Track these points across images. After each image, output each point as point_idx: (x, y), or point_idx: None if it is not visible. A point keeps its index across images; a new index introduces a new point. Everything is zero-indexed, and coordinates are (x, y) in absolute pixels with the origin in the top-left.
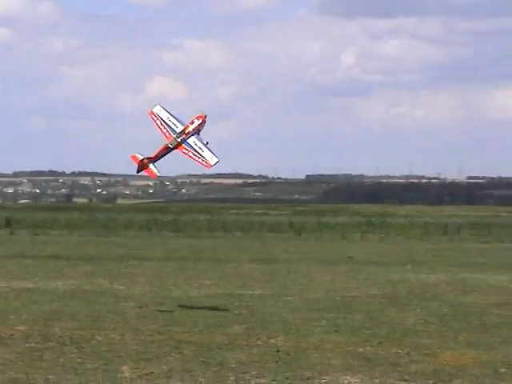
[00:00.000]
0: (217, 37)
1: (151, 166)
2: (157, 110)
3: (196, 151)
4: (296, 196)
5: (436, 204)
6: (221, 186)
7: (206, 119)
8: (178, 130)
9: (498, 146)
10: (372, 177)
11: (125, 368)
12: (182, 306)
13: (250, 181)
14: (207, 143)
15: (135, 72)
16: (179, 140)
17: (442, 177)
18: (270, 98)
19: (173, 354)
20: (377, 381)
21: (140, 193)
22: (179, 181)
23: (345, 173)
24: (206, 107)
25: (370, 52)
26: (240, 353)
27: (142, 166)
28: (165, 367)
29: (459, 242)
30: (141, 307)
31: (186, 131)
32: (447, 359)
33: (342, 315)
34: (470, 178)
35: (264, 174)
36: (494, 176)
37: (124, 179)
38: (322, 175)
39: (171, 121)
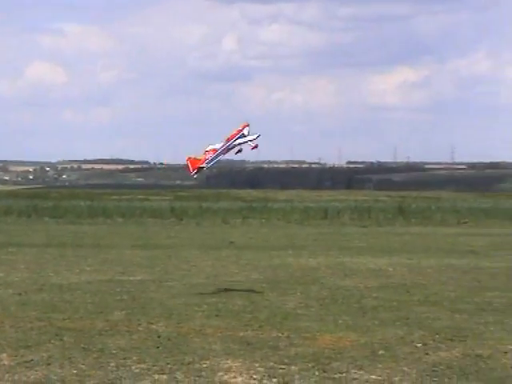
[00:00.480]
0: (97, 22)
1: (202, 165)
2: (210, 148)
3: (241, 144)
4: (178, 181)
5: (316, 189)
6: (102, 172)
7: (249, 127)
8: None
9: (377, 131)
10: (253, 162)
11: (3, 356)
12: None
13: (132, 166)
14: (256, 146)
15: (14, 57)
16: (226, 145)
17: (323, 162)
18: (150, 84)
19: (53, 341)
20: (257, 364)
21: (20, 179)
22: (60, 166)
23: (226, 158)
24: (86, 92)
25: (250, 37)
26: (121, 339)
27: (194, 169)
28: (44, 354)
29: (339, 227)
30: (20, 294)
31: (231, 137)
32: (326, 342)
33: (223, 300)
34: (349, 162)
35: (145, 159)
36: (373, 161)
37: (3, 165)
38: None
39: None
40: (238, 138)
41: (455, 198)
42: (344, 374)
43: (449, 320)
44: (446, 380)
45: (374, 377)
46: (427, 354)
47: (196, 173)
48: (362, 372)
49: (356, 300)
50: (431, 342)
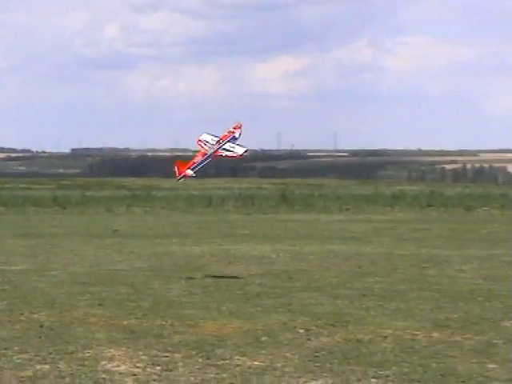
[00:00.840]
0: None
1: (188, 171)
2: (203, 137)
3: (229, 150)
4: (61, 170)
5: (200, 177)
6: None
7: (242, 127)
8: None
9: (261, 119)
10: (137, 150)
11: None
12: None
13: (14, 155)
14: (246, 151)
15: None
16: (216, 147)
17: None
18: (32, 71)
19: None
20: (140, 353)
21: None
22: None
23: (111, 146)
24: None
25: (133, 25)
26: (2, 329)
27: (181, 173)
28: None
29: (223, 214)
30: None
31: (222, 139)
32: (210, 329)
33: (107, 288)
34: None
35: (28, 147)
36: (257, 149)
37: None
38: (88, 149)
39: (214, 140)
40: (229, 141)
41: (337, 185)
42: (227, 361)
43: (330, 306)
44: (328, 365)
45: (256, 363)
46: (309, 339)
47: (181, 178)
48: (245, 358)
49: (240, 287)
50: (313, 327)
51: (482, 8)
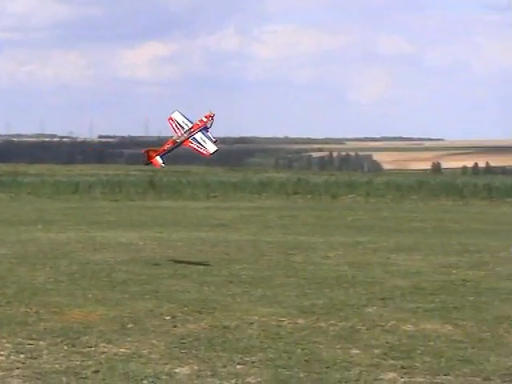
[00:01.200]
0: None
1: (158, 158)
2: (175, 115)
3: (200, 144)
4: None
5: (68, 163)
6: None
7: (214, 117)
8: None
9: (129, 105)
10: (3, 135)
11: None
12: None
13: None
14: (216, 141)
15: None
16: (186, 136)
17: (74, 136)
18: None
19: None
20: (4, 341)
21: None
22: None
23: None
24: None
25: None
26: None
27: (149, 158)
28: None
29: (90, 201)
30: None
31: (194, 128)
32: (75, 316)
33: None
34: (101, 137)
35: None
36: (125, 135)
37: None
38: None
39: (185, 123)
40: (200, 130)
41: (205, 172)
42: (93, 348)
43: (197, 292)
44: (194, 351)
45: (122, 350)
46: (175, 326)
47: (149, 163)
48: (110, 345)
49: (106, 274)
50: (180, 314)
51: None
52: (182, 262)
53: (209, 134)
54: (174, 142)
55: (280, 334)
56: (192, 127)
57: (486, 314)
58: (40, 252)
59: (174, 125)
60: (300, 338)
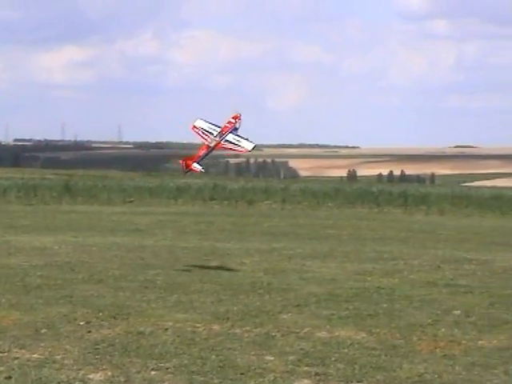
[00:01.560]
0: None
1: (195, 164)
2: (198, 123)
3: (234, 144)
4: None
5: None
6: None
7: (241, 117)
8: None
9: (45, 109)
10: None
11: None
12: None
13: None
14: (254, 147)
15: None
16: (218, 139)
17: None
18: None
19: None
20: None
21: None
22: None
23: None
24: None
25: None
26: None
27: (187, 166)
28: None
29: (5, 205)
30: None
31: (224, 131)
32: None
33: None
34: (16, 140)
35: None
36: (41, 139)
37: None
38: None
39: (211, 128)
40: (231, 132)
41: (122, 176)
42: (6, 354)
43: (112, 298)
44: (108, 357)
45: (36, 355)
46: (90, 331)
47: (188, 171)
48: (23, 351)
49: (20, 278)
50: (94, 319)
51: (265, 5)
52: (97, 266)
53: (237, 133)
54: (208, 146)
55: (195, 340)
56: (222, 130)
57: (399, 322)
58: None
59: (200, 132)
60: (215, 344)
